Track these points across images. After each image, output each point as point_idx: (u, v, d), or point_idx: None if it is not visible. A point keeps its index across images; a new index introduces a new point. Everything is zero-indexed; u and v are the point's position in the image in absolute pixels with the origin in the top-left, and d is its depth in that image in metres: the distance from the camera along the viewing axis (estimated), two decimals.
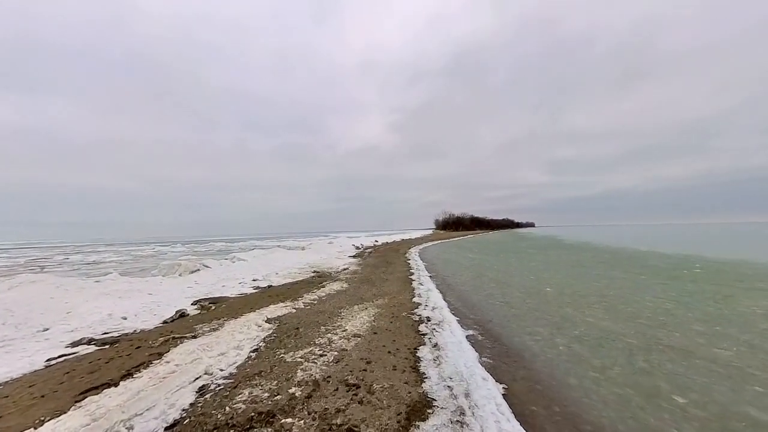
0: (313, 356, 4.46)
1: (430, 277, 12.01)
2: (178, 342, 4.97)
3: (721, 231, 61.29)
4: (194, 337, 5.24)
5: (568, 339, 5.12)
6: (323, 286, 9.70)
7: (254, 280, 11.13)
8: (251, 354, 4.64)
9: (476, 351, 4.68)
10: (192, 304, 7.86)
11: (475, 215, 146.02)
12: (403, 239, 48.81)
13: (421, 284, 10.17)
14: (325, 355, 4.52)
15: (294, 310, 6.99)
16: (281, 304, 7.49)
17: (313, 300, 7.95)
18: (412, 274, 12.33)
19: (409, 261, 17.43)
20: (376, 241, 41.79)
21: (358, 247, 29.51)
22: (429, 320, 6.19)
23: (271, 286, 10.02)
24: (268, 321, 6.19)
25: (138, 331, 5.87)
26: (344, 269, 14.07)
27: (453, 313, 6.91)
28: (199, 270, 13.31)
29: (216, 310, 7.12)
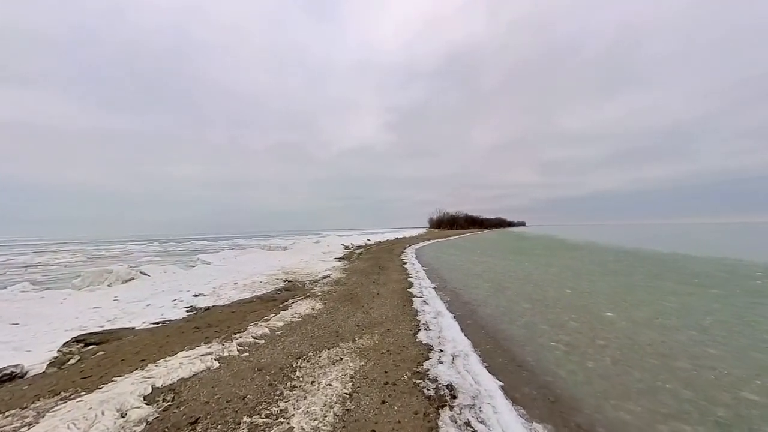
0: None
1: (435, 289, 9.17)
2: None
3: (714, 231, 59.86)
4: None
5: None
6: (286, 308, 6.75)
7: (195, 296, 8.12)
8: None
9: None
10: (64, 345, 4.86)
11: (469, 214, 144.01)
12: (396, 238, 45.96)
13: (425, 303, 7.31)
14: None
15: (217, 364, 4.05)
16: (203, 348, 4.54)
17: (260, 337, 5.01)
18: (412, 285, 9.46)
19: (405, 265, 14.57)
20: (368, 240, 38.85)
21: (347, 247, 26.54)
22: (454, 396, 3.32)
23: (210, 307, 7.03)
24: (150, 398, 3.25)
25: None
26: (325, 277, 11.14)
27: (487, 367, 4.07)
28: (133, 279, 10.23)
29: (80, 364, 4.13)
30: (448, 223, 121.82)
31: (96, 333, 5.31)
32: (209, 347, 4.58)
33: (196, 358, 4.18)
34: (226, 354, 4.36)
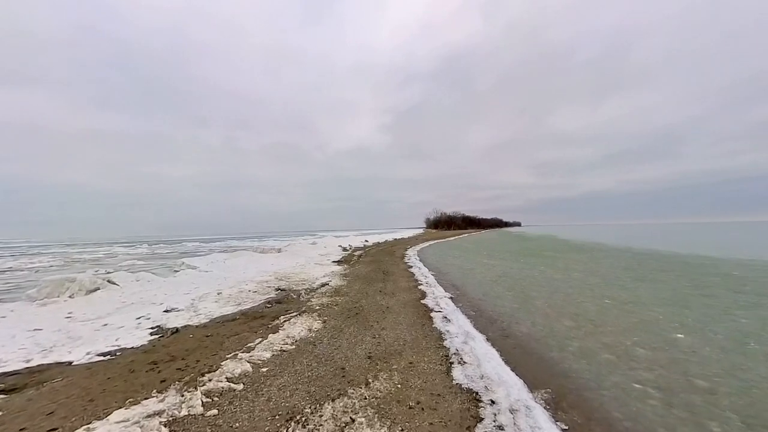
0: None
1: (452, 300, 7.85)
2: None
3: (712, 231, 59.38)
4: None
5: None
6: (276, 330, 5.38)
7: (167, 312, 6.70)
8: None
9: None
10: None
11: (466, 214, 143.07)
12: (395, 239, 44.65)
13: (447, 320, 5.99)
14: None
15: None
16: (152, 402, 3.16)
17: (238, 379, 3.64)
18: (425, 295, 8.13)
19: (411, 269, 13.24)
20: (366, 240, 37.50)
21: (345, 249, 25.18)
22: None
23: (180, 328, 5.62)
24: None
25: None
26: (323, 284, 9.77)
27: None
28: (98, 289, 8.77)
29: None
30: (445, 224, 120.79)
31: (14, 373, 3.91)
32: (162, 399, 3.20)
33: (136, 423, 2.81)
34: (183, 413, 2.99)
